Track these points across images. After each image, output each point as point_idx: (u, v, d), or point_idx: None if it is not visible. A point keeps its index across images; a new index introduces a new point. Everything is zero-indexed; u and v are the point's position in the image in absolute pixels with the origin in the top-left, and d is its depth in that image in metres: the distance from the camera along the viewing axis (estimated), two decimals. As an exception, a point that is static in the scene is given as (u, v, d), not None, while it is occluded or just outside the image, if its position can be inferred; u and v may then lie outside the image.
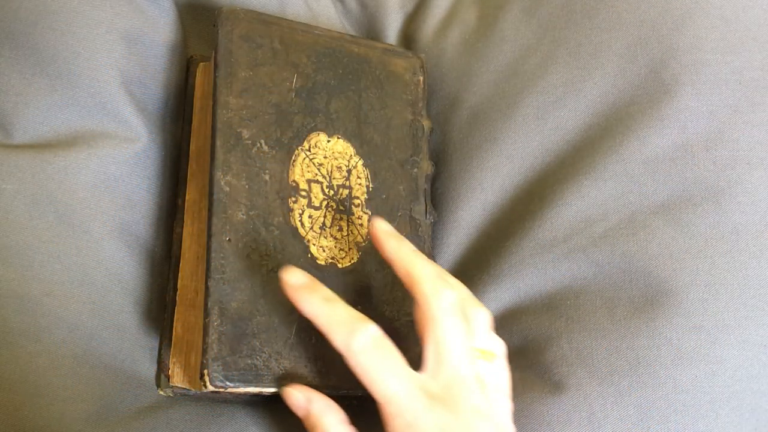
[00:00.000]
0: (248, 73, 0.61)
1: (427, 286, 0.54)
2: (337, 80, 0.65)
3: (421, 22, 0.76)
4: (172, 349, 0.62)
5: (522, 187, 0.67)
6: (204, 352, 0.55)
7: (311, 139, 0.62)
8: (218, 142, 0.58)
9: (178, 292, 0.63)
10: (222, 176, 0.57)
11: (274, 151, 0.60)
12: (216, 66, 0.60)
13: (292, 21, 0.65)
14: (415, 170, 0.67)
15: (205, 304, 0.55)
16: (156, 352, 0.63)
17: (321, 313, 0.53)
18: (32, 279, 0.60)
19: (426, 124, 0.70)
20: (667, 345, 0.59)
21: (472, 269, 0.68)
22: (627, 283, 0.61)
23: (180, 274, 0.64)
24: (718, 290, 0.60)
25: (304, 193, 0.61)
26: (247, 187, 0.59)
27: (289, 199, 0.60)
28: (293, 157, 0.61)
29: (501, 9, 0.72)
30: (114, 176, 0.64)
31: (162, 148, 0.67)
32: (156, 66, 0.67)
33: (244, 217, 0.58)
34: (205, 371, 0.54)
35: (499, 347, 0.58)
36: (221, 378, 0.54)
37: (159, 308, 0.64)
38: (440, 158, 0.71)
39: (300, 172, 0.61)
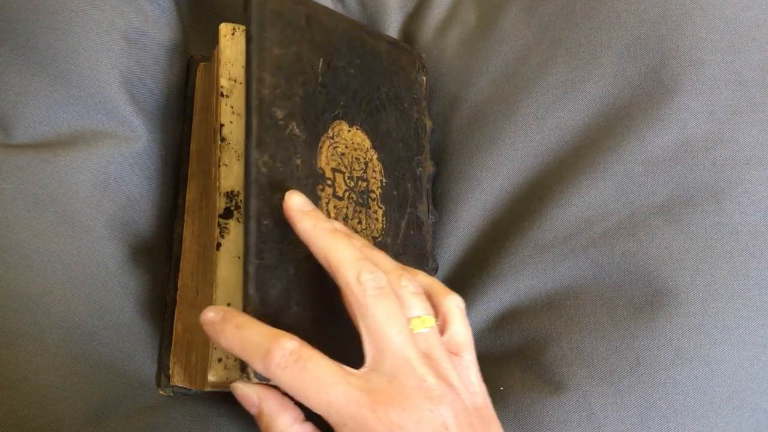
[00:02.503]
0: (280, 51, 0.57)
1: (348, 272, 0.49)
2: (356, 69, 0.64)
3: (421, 22, 0.76)
4: (172, 348, 0.62)
5: (522, 187, 0.67)
6: None
7: (335, 126, 0.60)
8: (254, 120, 0.54)
9: (178, 292, 0.63)
10: (259, 156, 0.54)
11: (304, 135, 0.57)
12: (249, 39, 0.56)
13: (316, 2, 0.63)
14: (420, 169, 0.67)
15: (245, 292, 0.51)
16: (156, 352, 0.63)
17: (234, 341, 0.48)
18: (32, 279, 0.60)
19: (428, 123, 0.70)
20: (667, 345, 0.59)
21: (472, 269, 0.68)
22: (627, 283, 0.61)
23: (180, 274, 0.64)
24: (718, 290, 0.60)
25: (329, 182, 0.59)
26: (282, 169, 0.55)
27: (317, 187, 0.58)
28: (320, 144, 0.59)
29: (501, 9, 0.72)
30: (114, 176, 0.64)
31: (162, 147, 0.67)
32: (156, 66, 0.67)
33: (281, 200, 0.53)
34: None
35: (450, 306, 0.55)
36: (257, 375, 0.50)
37: (159, 308, 0.64)
38: (440, 158, 0.71)
39: (326, 159, 0.59)
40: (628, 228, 0.62)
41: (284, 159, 0.55)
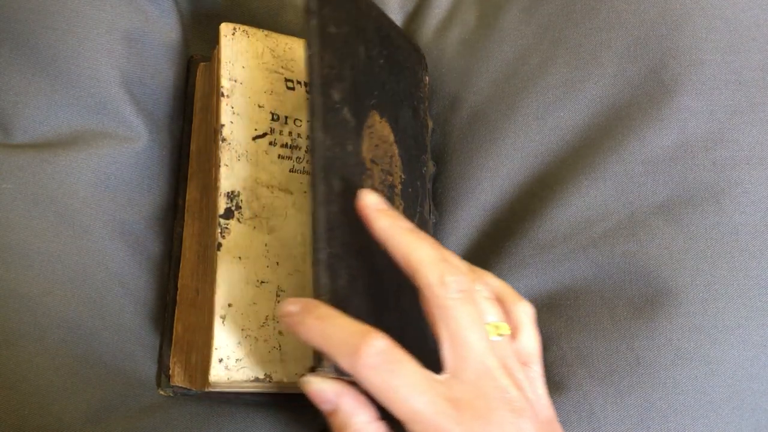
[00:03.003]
0: (335, 30, 0.56)
1: (430, 272, 0.48)
2: (384, 60, 0.63)
3: (421, 22, 0.76)
4: (172, 348, 0.62)
5: (522, 187, 0.67)
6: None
7: (372, 116, 0.59)
8: (319, 100, 0.52)
9: (178, 292, 0.64)
10: (324, 139, 0.52)
11: (353, 122, 0.56)
12: (310, 13, 0.54)
13: None
14: (424, 169, 0.68)
15: (317, 281, 0.49)
16: (156, 352, 0.63)
17: (316, 334, 0.46)
18: (32, 279, 0.60)
19: (429, 123, 0.70)
20: (667, 345, 0.59)
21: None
22: (627, 283, 0.61)
23: (180, 274, 0.64)
24: (718, 290, 0.60)
25: (369, 173, 0.57)
26: (340, 155, 0.53)
27: (363, 176, 0.57)
28: (363, 132, 0.57)
29: (501, 9, 0.72)
30: (114, 176, 0.64)
31: (162, 147, 0.67)
32: (156, 66, 0.67)
33: (341, 188, 0.52)
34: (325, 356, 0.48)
35: (521, 313, 0.54)
36: (338, 370, 0.48)
37: (159, 308, 0.64)
38: (440, 158, 0.71)
39: (366, 149, 0.57)
40: (628, 228, 0.62)
41: (341, 144, 0.54)
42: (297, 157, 0.62)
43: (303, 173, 0.62)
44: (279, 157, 0.62)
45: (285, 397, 0.63)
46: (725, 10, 0.65)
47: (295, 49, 0.65)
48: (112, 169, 0.64)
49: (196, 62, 0.69)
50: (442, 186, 0.70)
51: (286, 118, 0.63)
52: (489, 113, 0.69)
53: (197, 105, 0.68)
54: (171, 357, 0.62)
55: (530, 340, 0.53)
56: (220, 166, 0.59)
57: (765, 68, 0.64)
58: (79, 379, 0.60)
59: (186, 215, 0.65)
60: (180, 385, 0.61)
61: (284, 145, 0.62)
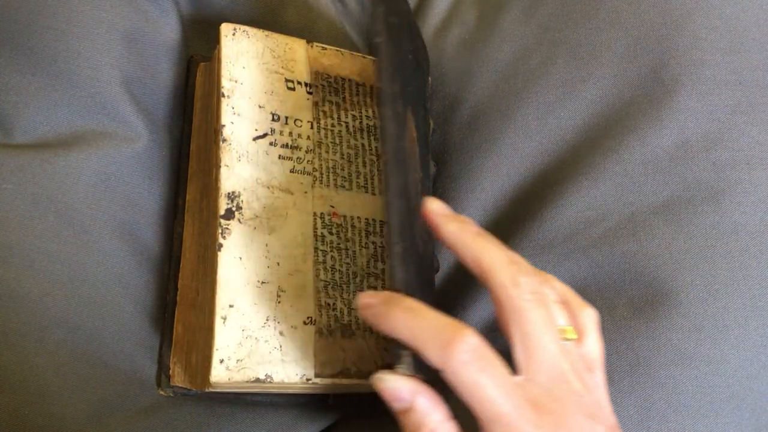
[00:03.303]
0: (395, 21, 0.56)
1: (503, 274, 0.49)
2: (412, 56, 0.63)
3: (421, 23, 0.76)
4: (172, 349, 0.62)
5: (522, 187, 0.67)
6: (389, 342, 0.49)
7: (408, 111, 0.59)
8: (389, 89, 0.52)
9: (178, 292, 0.63)
10: (395, 131, 0.52)
11: (403, 115, 0.56)
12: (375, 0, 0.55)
13: None
14: (429, 169, 0.67)
15: (394, 274, 0.49)
16: (156, 352, 0.63)
17: (404, 326, 0.46)
18: (32, 279, 0.60)
19: (430, 123, 0.70)
20: (667, 345, 0.59)
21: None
22: (627, 283, 0.61)
23: (180, 274, 0.64)
24: (718, 290, 0.60)
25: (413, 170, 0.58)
26: (401, 149, 0.54)
27: (412, 171, 0.58)
28: (407, 127, 0.57)
29: (501, 9, 0.72)
30: (114, 176, 0.64)
31: (162, 147, 0.67)
32: (156, 66, 0.67)
33: (406, 182, 0.52)
34: (402, 354, 0.48)
35: (586, 318, 0.54)
36: (415, 368, 0.48)
37: (159, 308, 0.64)
38: (440, 158, 0.71)
39: (408, 145, 0.58)
40: (628, 228, 0.62)
41: (401, 138, 0.54)
42: (297, 158, 0.62)
43: (303, 173, 0.62)
44: (279, 158, 0.61)
45: (285, 397, 0.64)
46: (725, 10, 0.65)
47: (295, 50, 0.65)
48: (112, 169, 0.63)
49: (196, 62, 0.69)
50: (442, 186, 0.70)
51: (287, 118, 0.63)
52: (489, 113, 0.69)
53: (197, 105, 0.68)
54: (171, 357, 0.62)
55: (595, 345, 0.53)
56: (220, 166, 0.59)
57: (765, 68, 0.64)
58: (79, 380, 0.60)
59: (186, 215, 0.65)
60: (180, 386, 0.61)
61: (285, 146, 0.62)
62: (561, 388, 0.47)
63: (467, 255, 0.50)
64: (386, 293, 0.48)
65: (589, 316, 0.53)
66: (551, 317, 0.49)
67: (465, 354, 0.45)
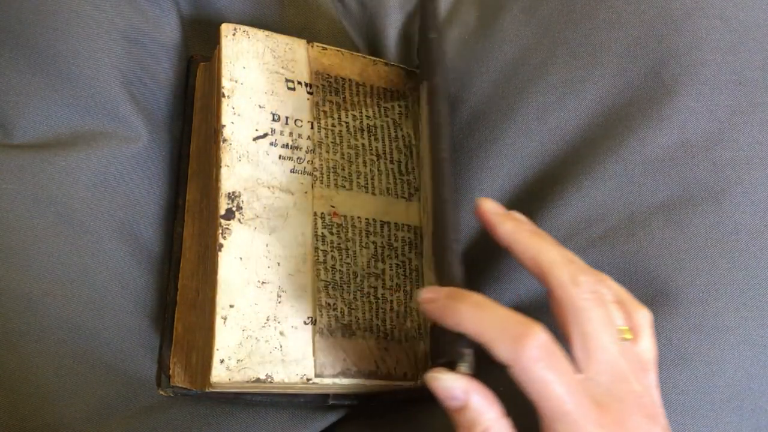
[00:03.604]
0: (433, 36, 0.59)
1: (562, 273, 0.50)
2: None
3: (420, 23, 0.76)
4: (172, 348, 0.62)
5: (522, 187, 0.67)
6: (449, 341, 0.49)
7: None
8: (443, 83, 0.54)
9: (178, 292, 0.63)
10: (448, 125, 0.53)
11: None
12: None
13: None
14: None
15: (450, 270, 0.50)
16: (156, 352, 0.63)
17: (472, 320, 0.46)
18: (32, 279, 0.60)
19: None
20: (667, 345, 0.58)
21: (473, 271, 0.68)
22: (627, 283, 0.61)
23: (180, 274, 0.64)
24: (718, 290, 0.59)
25: None
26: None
27: None
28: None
29: (501, 9, 0.72)
30: (114, 176, 0.63)
31: (162, 147, 0.67)
32: (156, 66, 0.67)
33: (456, 180, 0.54)
34: (464, 352, 0.48)
35: (641, 318, 0.54)
36: (469, 366, 0.49)
37: (159, 308, 0.64)
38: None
39: None
40: (628, 228, 0.62)
41: (451, 134, 0.55)
42: (298, 158, 0.62)
43: (303, 173, 0.62)
44: (280, 158, 0.61)
45: (285, 397, 0.63)
46: (725, 10, 0.65)
47: (295, 50, 0.65)
48: (112, 169, 0.63)
49: (196, 62, 0.69)
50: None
51: (287, 118, 0.63)
52: (489, 113, 0.69)
53: (197, 105, 0.68)
54: (171, 357, 0.62)
55: (649, 346, 0.53)
56: (220, 166, 0.59)
57: (765, 68, 0.64)
58: (78, 380, 0.60)
59: (186, 215, 0.65)
60: (180, 386, 0.61)
61: (285, 146, 0.62)
62: (621, 388, 0.48)
63: (524, 253, 0.51)
64: (449, 288, 0.48)
65: (644, 317, 0.53)
66: (610, 317, 0.50)
67: (535, 350, 0.45)
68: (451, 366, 0.48)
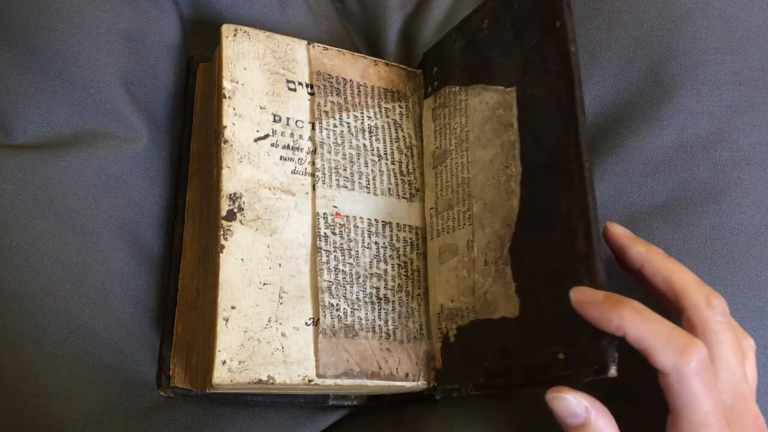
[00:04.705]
0: None
1: (697, 296, 0.51)
2: None
3: (420, 23, 0.76)
4: (172, 349, 0.62)
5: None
6: (603, 342, 0.49)
7: None
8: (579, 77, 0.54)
9: (178, 293, 0.63)
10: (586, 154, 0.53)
11: None
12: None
13: None
14: None
15: (597, 274, 0.50)
16: (156, 353, 0.63)
17: (637, 325, 0.47)
18: (32, 279, 0.60)
19: None
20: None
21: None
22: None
23: (181, 275, 0.64)
24: (718, 291, 0.59)
25: None
26: None
27: None
28: None
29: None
30: (114, 176, 0.63)
31: (162, 148, 0.67)
32: (156, 66, 0.67)
33: None
34: (615, 355, 0.48)
35: (747, 345, 0.55)
36: (616, 369, 0.48)
37: (159, 308, 0.64)
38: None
39: None
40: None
41: None
42: (299, 159, 0.62)
43: (304, 174, 0.62)
44: (281, 159, 0.61)
45: (286, 397, 0.63)
46: (725, 10, 0.65)
47: (296, 50, 0.65)
48: (112, 169, 0.63)
49: (196, 62, 0.69)
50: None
51: (288, 119, 0.62)
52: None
53: (197, 105, 0.67)
54: (171, 358, 0.62)
55: (753, 373, 0.54)
56: (222, 168, 0.59)
57: (765, 68, 0.64)
58: (78, 380, 0.60)
59: (186, 216, 0.65)
60: (180, 386, 0.61)
61: (286, 147, 0.62)
62: (742, 407, 0.50)
63: (657, 275, 0.53)
64: (606, 292, 0.48)
65: (750, 345, 0.54)
66: (739, 341, 0.51)
67: (698, 363, 0.46)
68: (602, 368, 0.48)
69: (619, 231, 0.55)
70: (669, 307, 0.53)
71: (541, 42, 0.56)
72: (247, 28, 0.63)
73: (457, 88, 0.65)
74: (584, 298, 0.49)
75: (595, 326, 0.48)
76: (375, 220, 0.64)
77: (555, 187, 0.53)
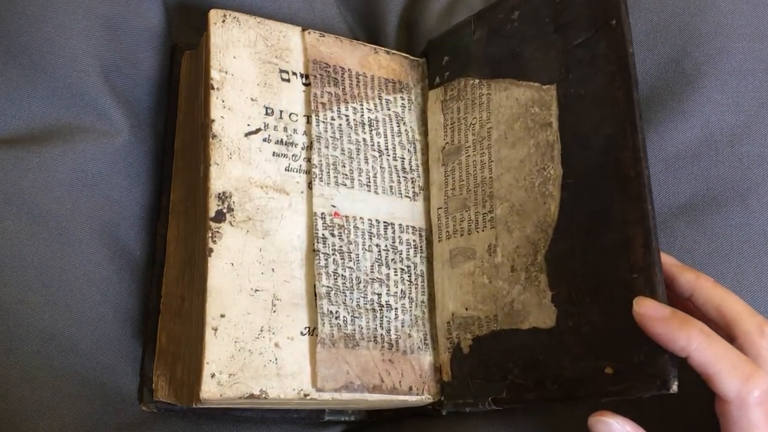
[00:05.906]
0: None
1: (749, 324, 0.51)
2: None
3: (423, 8, 0.75)
4: (155, 360, 0.61)
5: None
6: (666, 359, 0.49)
7: None
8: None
9: (162, 300, 0.62)
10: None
11: None
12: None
13: None
14: None
15: (658, 288, 0.50)
16: (138, 364, 0.61)
17: (704, 348, 0.47)
18: (4, 285, 0.58)
19: None
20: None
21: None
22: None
23: (164, 280, 0.62)
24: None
25: None
26: None
27: None
28: None
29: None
30: (93, 173, 0.62)
31: (144, 143, 0.65)
32: (138, 54, 0.65)
33: None
34: (675, 371, 0.49)
35: None
36: (677, 386, 0.49)
37: (141, 316, 0.62)
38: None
39: None
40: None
41: None
42: (293, 155, 0.60)
43: (299, 172, 0.60)
44: (273, 155, 0.60)
45: (278, 413, 0.62)
46: (752, -7, 0.64)
47: (290, 38, 0.63)
48: (90, 166, 0.62)
49: (180, 50, 0.67)
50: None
51: (281, 112, 0.61)
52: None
53: (182, 96, 0.66)
54: (154, 370, 0.60)
55: None
56: (210, 165, 0.57)
57: (794, 56, 0.63)
58: (54, 393, 0.59)
59: (170, 216, 0.64)
60: (164, 400, 0.59)
61: (279, 142, 0.60)
62: None
63: (708, 303, 0.52)
64: (672, 309, 0.48)
65: None
66: None
67: (762, 393, 0.47)
68: (664, 384, 0.48)
69: (666, 260, 0.54)
70: (719, 335, 0.53)
71: (591, 40, 0.55)
72: (236, 14, 0.62)
73: (477, 80, 0.63)
74: (650, 312, 0.48)
75: (656, 342, 0.48)
76: (376, 220, 0.62)
77: (607, 192, 0.53)
